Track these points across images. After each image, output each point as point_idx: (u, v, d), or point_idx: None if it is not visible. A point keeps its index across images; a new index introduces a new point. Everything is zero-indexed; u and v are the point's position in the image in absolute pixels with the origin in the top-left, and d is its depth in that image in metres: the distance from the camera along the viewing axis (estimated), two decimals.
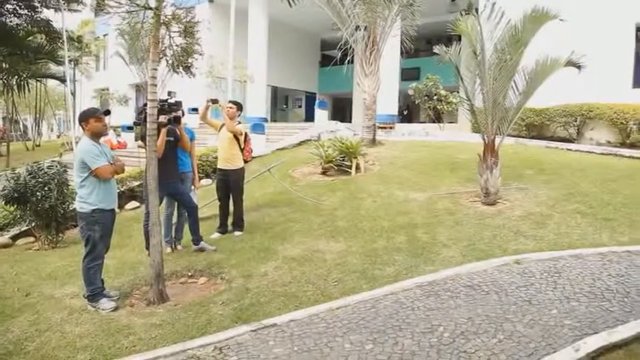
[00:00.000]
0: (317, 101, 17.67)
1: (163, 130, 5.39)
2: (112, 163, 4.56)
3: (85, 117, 4.49)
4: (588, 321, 3.57)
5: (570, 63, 7.19)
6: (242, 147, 6.84)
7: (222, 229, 6.86)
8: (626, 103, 11.71)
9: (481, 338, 3.42)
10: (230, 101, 7.05)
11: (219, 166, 6.91)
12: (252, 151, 7.32)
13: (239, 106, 6.92)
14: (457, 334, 3.50)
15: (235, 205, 6.85)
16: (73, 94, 23.11)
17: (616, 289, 4.15)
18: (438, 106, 15.60)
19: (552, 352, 3.14)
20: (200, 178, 7.54)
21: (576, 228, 6.06)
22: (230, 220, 6.93)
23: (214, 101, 6.73)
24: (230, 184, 6.80)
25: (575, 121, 12.53)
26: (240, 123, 7.03)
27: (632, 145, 11.44)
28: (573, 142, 12.33)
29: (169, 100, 5.72)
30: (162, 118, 5.28)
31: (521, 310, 3.85)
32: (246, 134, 6.98)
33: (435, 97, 15.57)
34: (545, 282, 4.42)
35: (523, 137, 12.92)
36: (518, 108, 7.37)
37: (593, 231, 5.93)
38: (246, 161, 7.04)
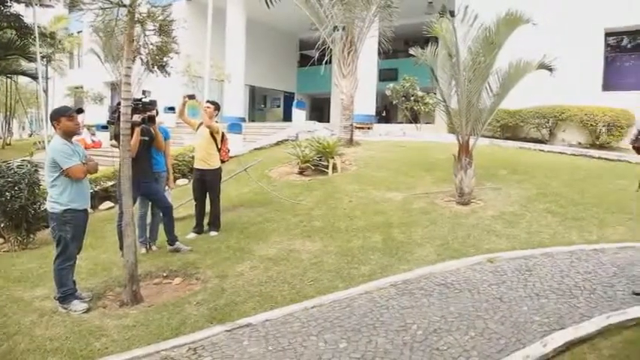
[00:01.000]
0: (295, 101, 17.67)
1: (137, 130, 5.33)
2: (84, 163, 4.48)
3: (57, 115, 4.41)
4: (556, 317, 3.67)
5: (542, 66, 7.36)
6: (219, 147, 6.81)
7: (198, 229, 6.82)
8: (596, 106, 12.05)
9: (453, 335, 3.48)
10: (208, 101, 7.00)
11: (196, 166, 6.86)
12: (229, 151, 7.27)
13: (217, 106, 6.88)
14: (430, 331, 3.56)
15: (212, 205, 6.81)
16: (46, 91, 22.60)
17: (583, 285, 4.27)
18: (415, 107, 15.78)
19: (521, 348, 3.23)
20: (176, 178, 7.47)
21: (547, 227, 6.21)
22: (206, 220, 6.89)
23: (191, 97, 6.68)
24: (207, 184, 6.76)
25: (548, 123, 12.82)
26: (217, 123, 7.00)
27: (601, 147, 11.77)
28: (546, 143, 12.61)
29: (144, 100, 5.65)
30: (136, 118, 5.22)
31: (493, 307, 3.94)
32: (223, 134, 6.94)
33: (412, 98, 15.74)
34: (516, 280, 4.52)
35: (498, 138, 13.15)
36: (492, 109, 7.51)
37: (563, 230, 6.08)
38: (223, 161, 6.99)
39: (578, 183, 8.09)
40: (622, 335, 3.33)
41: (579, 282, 4.36)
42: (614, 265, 4.75)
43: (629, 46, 13.52)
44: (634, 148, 4.32)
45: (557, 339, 3.27)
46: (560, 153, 11.22)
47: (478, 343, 3.34)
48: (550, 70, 7.39)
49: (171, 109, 15.44)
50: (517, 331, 3.48)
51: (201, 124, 6.76)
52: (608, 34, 13.13)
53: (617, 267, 4.70)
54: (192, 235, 6.65)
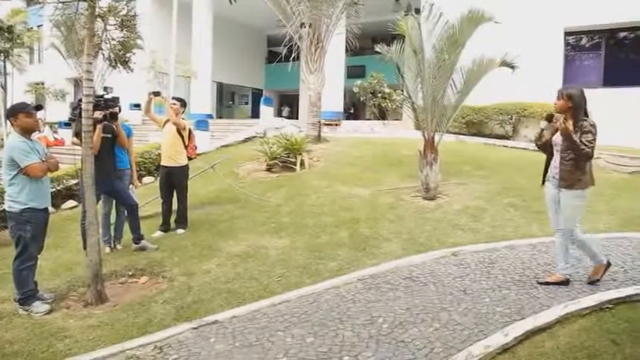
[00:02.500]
0: (262, 98, 17.58)
1: (99, 127, 5.21)
2: (44, 161, 4.36)
3: (14, 112, 4.27)
4: (517, 307, 3.79)
5: (504, 63, 7.55)
6: (186, 144, 6.73)
7: (165, 227, 6.73)
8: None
9: (418, 327, 3.55)
10: (174, 97, 6.90)
11: (162, 163, 6.77)
12: (196, 148, 7.20)
13: (183, 103, 6.80)
14: (396, 324, 3.62)
15: (179, 203, 6.73)
16: (4, 88, 21.80)
17: (543, 277, 4.41)
18: (383, 104, 15.93)
19: (483, 338, 3.32)
20: (142, 176, 7.33)
21: (510, 221, 6.39)
22: (173, 217, 6.81)
23: (156, 94, 6.59)
24: (174, 181, 6.68)
25: (511, 119, 13.13)
26: (184, 120, 6.92)
27: None
28: (509, 140, 12.92)
29: (106, 96, 5.53)
30: (98, 115, 5.11)
31: (457, 299, 4.03)
32: (190, 131, 6.87)
33: (380, 95, 15.87)
34: (479, 272, 4.64)
35: (463, 134, 13.40)
36: (456, 106, 7.67)
37: (525, 223, 6.27)
38: (190, 158, 6.92)
39: (539, 178, 8.30)
40: (578, 323, 3.47)
41: (539, 273, 4.52)
42: (572, 257, 4.91)
43: (587, 45, 13.99)
44: (537, 146, 4.46)
45: (518, 328, 3.37)
46: (523, 149, 11.52)
47: (442, 335, 3.42)
48: (512, 67, 7.59)
49: (137, 105, 15.14)
50: (480, 322, 3.58)
51: (167, 121, 6.66)
52: (567, 34, 13.56)
53: (574, 258, 4.86)
54: (158, 234, 6.56)
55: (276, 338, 3.48)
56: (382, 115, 16.77)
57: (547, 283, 4.23)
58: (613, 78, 12.94)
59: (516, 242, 5.56)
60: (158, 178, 6.80)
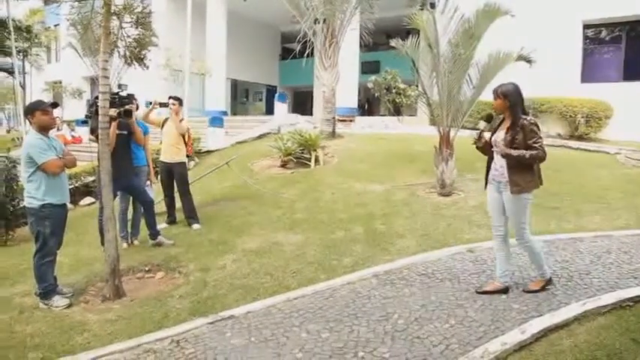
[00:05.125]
0: (277, 94, 17.59)
1: (114, 124, 5.26)
2: (61, 157, 4.42)
3: (31, 110, 4.34)
4: (534, 304, 3.75)
5: (521, 57, 7.45)
6: (186, 142, 6.91)
7: (171, 218, 6.93)
8: (574, 98, 12.20)
9: (434, 324, 3.53)
10: (171, 97, 6.86)
11: (163, 160, 6.87)
12: (193, 144, 7.55)
13: (180, 102, 6.88)
14: (411, 320, 3.61)
15: (183, 198, 6.82)
16: (23, 86, 22.14)
17: (560, 274, 4.35)
18: (397, 100, 15.79)
19: (500, 335, 3.28)
20: (158, 173, 7.38)
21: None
22: (178, 212, 6.95)
23: (163, 104, 6.68)
24: (175, 178, 6.80)
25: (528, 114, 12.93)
26: (183, 119, 7.00)
27: (580, 138, 11.94)
28: None
29: (120, 93, 5.58)
30: (112, 112, 5.15)
31: (473, 295, 4.00)
32: (188, 128, 7.00)
33: (394, 91, 15.74)
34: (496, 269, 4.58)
35: (478, 130, 13.23)
36: (472, 101, 7.58)
37: (542, 219, 6.18)
38: (188, 155, 7.13)
39: (556, 174, 8.21)
40: (597, 321, 3.40)
41: (557, 270, 4.45)
42: (590, 254, 4.86)
43: (607, 38, 13.72)
44: (477, 148, 4.23)
45: (535, 326, 3.32)
46: None
47: (458, 331, 3.40)
48: (529, 61, 7.48)
49: (151, 103, 15.23)
50: (496, 319, 3.54)
51: (166, 119, 6.75)
52: (586, 27, 13.30)
53: (593, 255, 4.81)
54: (164, 225, 6.65)
55: (292, 333, 3.49)
56: (397, 111, 16.64)
57: (485, 292, 4.01)
58: (634, 72, 12.63)
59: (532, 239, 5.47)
60: (159, 175, 6.91)
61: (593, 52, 13.72)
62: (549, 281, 4.02)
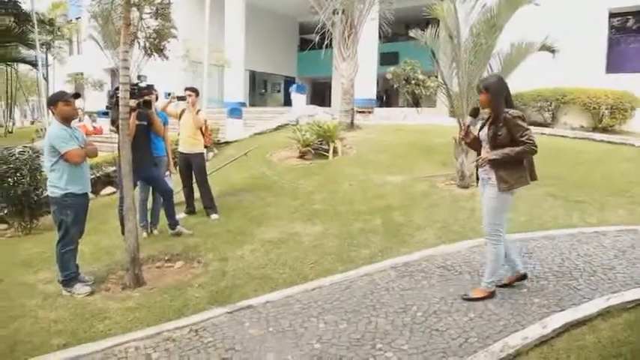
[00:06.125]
0: (294, 85, 17.54)
1: (133, 114, 5.29)
2: (83, 147, 4.48)
3: (54, 101, 4.39)
4: (556, 299, 3.68)
5: (545, 47, 7.29)
6: (203, 133, 6.95)
7: (190, 208, 6.98)
8: (599, 88, 11.93)
9: (453, 317, 3.50)
10: (187, 88, 6.85)
11: (181, 151, 6.92)
12: (210, 135, 7.56)
13: (197, 93, 6.88)
14: (430, 313, 3.58)
15: (202, 188, 6.87)
16: (46, 78, 22.48)
17: (583, 268, 4.27)
18: (416, 91, 15.64)
19: (521, 329, 3.24)
20: (176, 163, 7.45)
21: (548, 210, 6.21)
22: (197, 202, 7.01)
23: (181, 98, 6.71)
24: (194, 168, 6.85)
25: (550, 106, 12.71)
26: (199, 110, 7.03)
27: (604, 130, 11.69)
28: (548, 127, 12.53)
29: (140, 84, 5.61)
30: (132, 102, 5.19)
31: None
32: (205, 120, 7.06)
33: (413, 82, 15.60)
34: None
35: None
36: None
37: (564, 213, 6.08)
38: (206, 146, 7.15)
39: (579, 166, 8.08)
40: (621, 317, 3.33)
41: (580, 264, 4.37)
42: (614, 248, 4.75)
43: (634, 27, 13.35)
44: (465, 144, 4.04)
45: (557, 320, 3.27)
46: (562, 136, 11.16)
47: (477, 324, 3.36)
48: (552, 51, 7.33)
49: (170, 94, 15.33)
50: (516, 313, 3.49)
51: (183, 111, 6.78)
52: (612, 15, 12.97)
53: (617, 249, 4.71)
54: (183, 215, 6.71)
55: (310, 324, 3.49)
56: (416, 102, 16.51)
57: (504, 285, 3.88)
58: None
59: (554, 232, 5.39)
60: (178, 166, 6.95)
61: (619, 42, 13.38)
62: (492, 294, 3.76)
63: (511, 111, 3.58)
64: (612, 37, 13.20)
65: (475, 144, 3.92)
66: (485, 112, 3.91)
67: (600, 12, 12.74)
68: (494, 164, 3.62)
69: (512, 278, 3.97)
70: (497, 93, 3.63)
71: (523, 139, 3.51)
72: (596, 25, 12.72)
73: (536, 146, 3.54)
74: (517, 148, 3.54)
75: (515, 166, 3.61)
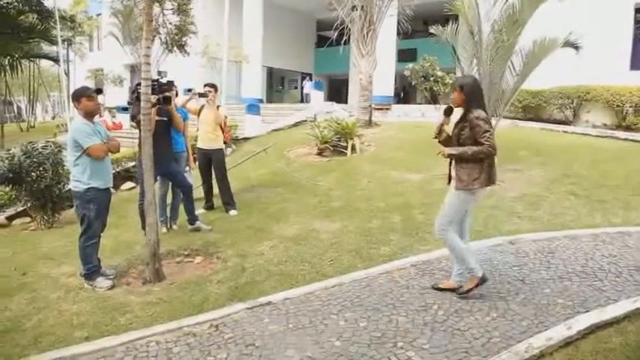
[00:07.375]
0: (312, 82, 17.53)
1: (153, 110, 5.32)
2: (105, 142, 4.52)
3: (78, 96, 4.44)
4: (580, 300, 3.62)
5: (568, 44, 7.18)
6: (223, 129, 6.96)
7: (209, 204, 7.01)
8: (622, 86, 11.69)
9: (475, 316, 3.46)
10: (206, 84, 6.86)
11: (200, 147, 6.92)
12: (230, 131, 7.43)
13: (216, 88, 6.93)
14: (451, 312, 3.54)
15: (220, 184, 6.88)
16: (67, 74, 22.82)
17: (608, 269, 4.19)
18: (435, 88, 15.53)
19: (544, 330, 3.19)
20: (196, 159, 7.49)
21: (570, 209, 6.11)
22: (215, 198, 7.03)
23: (202, 95, 6.71)
24: (213, 164, 6.87)
25: (572, 103, 12.51)
26: (219, 106, 7.05)
27: (628, 128, 11.46)
28: (570, 125, 12.32)
29: (160, 80, 5.64)
30: (152, 98, 5.21)
31: (515, 288, 3.90)
32: (225, 116, 7.08)
33: (432, 79, 15.48)
34: (538, 262, 4.46)
35: (520, 119, 12.90)
36: (515, 89, 7.37)
37: (587, 212, 5.97)
38: (225, 142, 7.15)
39: (602, 165, 7.92)
40: None
41: (604, 265, 4.29)
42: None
43: None
44: (439, 142, 3.98)
45: (582, 322, 3.21)
46: (583, 134, 10.97)
47: (500, 324, 3.31)
48: (576, 48, 7.20)
49: (189, 90, 15.44)
50: (540, 313, 3.44)
51: (202, 107, 6.80)
52: (638, 10, 12.67)
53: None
54: (202, 211, 6.74)
55: (330, 321, 3.48)
56: (434, 99, 16.38)
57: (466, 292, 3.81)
58: None
59: (577, 232, 5.30)
60: (197, 162, 6.97)
61: None
62: (481, 280, 3.72)
63: (476, 112, 3.62)
64: (637, 32, 12.90)
65: (448, 142, 3.91)
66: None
67: (625, 7, 12.45)
68: (457, 161, 3.69)
69: (448, 284, 3.94)
70: (469, 93, 3.71)
71: (482, 139, 3.55)
72: (621, 21, 12.45)
73: (494, 149, 3.57)
74: (475, 148, 3.58)
75: (473, 165, 3.62)
